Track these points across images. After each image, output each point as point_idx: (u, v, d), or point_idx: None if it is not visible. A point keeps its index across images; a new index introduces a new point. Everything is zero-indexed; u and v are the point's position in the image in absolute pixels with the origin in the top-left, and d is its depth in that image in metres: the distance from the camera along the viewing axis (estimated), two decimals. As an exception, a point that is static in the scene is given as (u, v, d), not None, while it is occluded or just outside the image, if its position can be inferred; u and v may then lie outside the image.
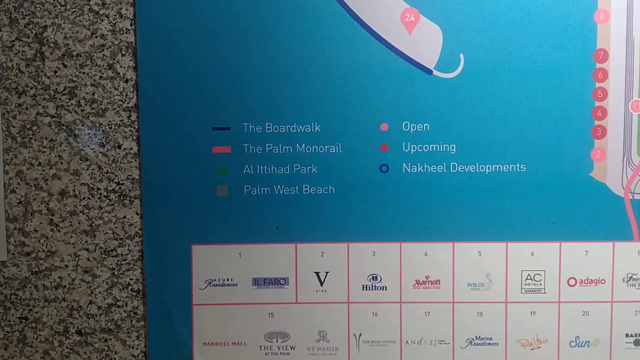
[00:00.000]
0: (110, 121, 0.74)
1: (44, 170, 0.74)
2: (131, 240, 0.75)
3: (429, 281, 0.75)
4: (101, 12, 0.73)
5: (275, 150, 0.73)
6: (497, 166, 0.73)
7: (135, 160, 0.74)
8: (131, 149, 0.74)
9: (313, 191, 0.74)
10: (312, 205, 0.74)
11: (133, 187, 0.75)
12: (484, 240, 0.74)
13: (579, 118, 0.72)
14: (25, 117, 0.74)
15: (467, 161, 0.73)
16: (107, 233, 0.75)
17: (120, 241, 0.75)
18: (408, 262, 0.75)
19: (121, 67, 0.73)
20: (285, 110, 0.73)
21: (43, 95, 0.73)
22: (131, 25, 0.73)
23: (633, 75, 0.72)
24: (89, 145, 0.74)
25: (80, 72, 0.73)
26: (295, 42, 0.72)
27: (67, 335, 0.77)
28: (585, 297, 0.75)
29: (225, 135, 0.73)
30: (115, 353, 0.77)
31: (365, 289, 0.75)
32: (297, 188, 0.74)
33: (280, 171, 0.74)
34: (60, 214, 0.75)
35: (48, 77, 0.73)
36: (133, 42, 0.73)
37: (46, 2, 0.72)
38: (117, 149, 0.74)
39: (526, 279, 0.75)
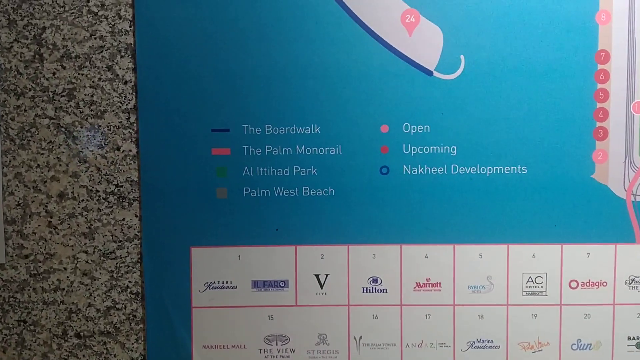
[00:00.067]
0: (109, 123, 0.74)
1: (42, 173, 0.74)
2: (130, 242, 0.75)
3: (429, 284, 0.75)
4: (100, 13, 0.72)
5: (275, 152, 0.73)
6: (498, 168, 0.73)
7: (134, 162, 0.74)
8: (130, 150, 0.74)
9: (313, 193, 0.73)
10: (312, 207, 0.74)
11: (132, 189, 0.74)
12: (485, 242, 0.74)
13: (581, 119, 0.72)
14: (23, 119, 0.73)
15: (468, 163, 0.73)
16: (106, 235, 0.75)
17: (119, 243, 0.75)
18: (408, 265, 0.74)
19: (120, 68, 0.73)
20: (285, 112, 0.73)
21: (42, 97, 0.73)
22: (130, 26, 0.72)
23: (635, 77, 0.71)
24: (87, 147, 0.74)
25: (79, 74, 0.73)
26: (295, 43, 0.72)
27: (66, 338, 0.76)
28: (587, 300, 0.74)
29: (224, 137, 0.73)
30: (114, 356, 0.77)
31: (365, 291, 0.75)
32: (296, 190, 0.73)
33: (280, 173, 0.73)
34: (59, 217, 0.75)
35: (47, 79, 0.73)
36: (132, 43, 0.73)
37: (45, 3, 0.72)
38: (116, 151, 0.74)
39: (527, 281, 0.74)
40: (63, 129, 0.74)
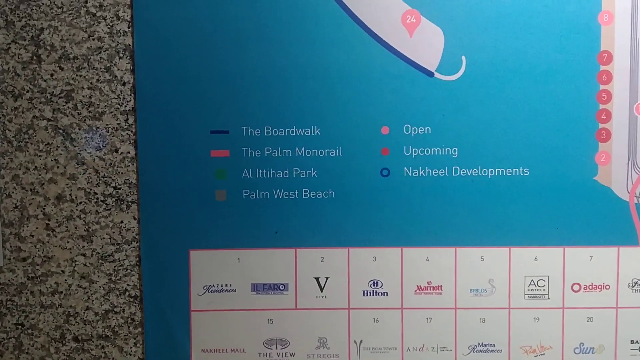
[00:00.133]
0: (107, 125, 0.73)
1: (40, 175, 0.74)
2: (128, 245, 0.75)
3: (430, 287, 0.74)
4: (98, 14, 0.72)
5: (275, 154, 0.73)
6: (500, 170, 0.72)
7: (133, 164, 0.74)
8: (128, 152, 0.73)
9: (313, 195, 0.73)
10: (312, 210, 0.73)
11: (130, 191, 0.74)
12: (486, 245, 0.73)
13: (583, 121, 0.71)
14: (21, 121, 0.73)
15: (469, 165, 0.72)
16: (104, 238, 0.74)
17: (118, 246, 0.75)
18: (409, 268, 0.74)
19: (118, 70, 0.72)
20: (284, 114, 0.72)
21: (39, 98, 0.73)
22: (128, 27, 0.72)
23: (638, 78, 0.71)
24: (85, 149, 0.73)
25: (77, 75, 0.72)
26: (295, 44, 0.71)
27: (64, 342, 0.76)
28: (590, 303, 0.74)
29: (223, 139, 0.72)
30: (113, 360, 0.76)
31: (365, 294, 0.74)
32: (296, 192, 0.73)
33: (279, 175, 0.73)
34: (57, 219, 0.74)
35: (44, 80, 0.73)
36: (130, 44, 0.72)
37: (43, 4, 0.72)
38: (114, 153, 0.73)
39: (529, 284, 0.74)
40: (61, 131, 0.73)
